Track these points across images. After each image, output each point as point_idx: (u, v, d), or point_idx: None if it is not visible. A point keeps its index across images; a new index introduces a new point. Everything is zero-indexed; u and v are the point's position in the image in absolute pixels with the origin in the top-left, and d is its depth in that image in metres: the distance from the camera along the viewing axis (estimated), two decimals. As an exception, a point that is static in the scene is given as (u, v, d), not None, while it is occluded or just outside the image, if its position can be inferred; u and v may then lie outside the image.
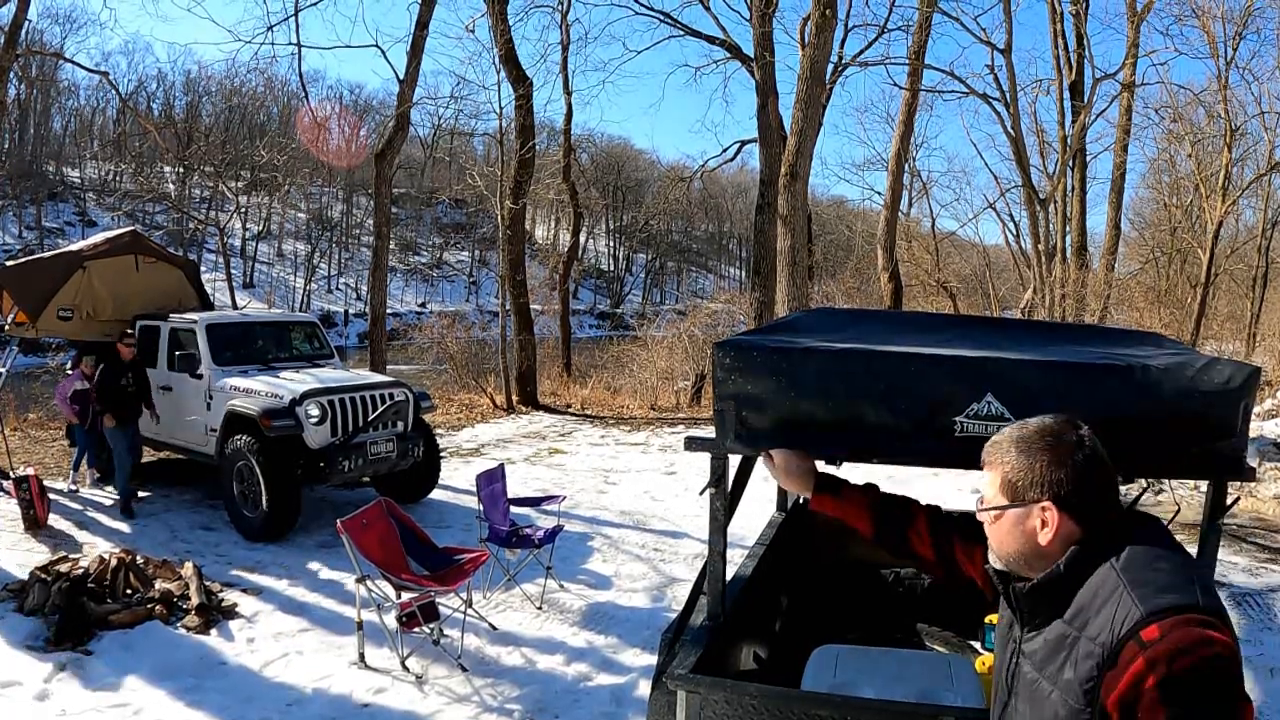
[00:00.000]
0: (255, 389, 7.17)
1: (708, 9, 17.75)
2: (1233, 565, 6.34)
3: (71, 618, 4.96)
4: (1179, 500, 7.33)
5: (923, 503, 1.99)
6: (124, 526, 7.18)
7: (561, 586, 5.91)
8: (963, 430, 2.10)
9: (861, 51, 20.40)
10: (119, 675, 4.50)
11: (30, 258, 9.39)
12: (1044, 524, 1.39)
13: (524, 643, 5.03)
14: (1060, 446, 1.39)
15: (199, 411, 7.58)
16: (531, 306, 17.81)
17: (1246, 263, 23.85)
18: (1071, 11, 18.62)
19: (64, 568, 5.44)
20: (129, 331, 7.88)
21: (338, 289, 56.67)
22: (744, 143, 21.23)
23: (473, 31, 33.25)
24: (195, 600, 5.31)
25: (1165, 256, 24.67)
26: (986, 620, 3.87)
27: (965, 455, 1.98)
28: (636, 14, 18.13)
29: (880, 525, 1.95)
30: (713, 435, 2.39)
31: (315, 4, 19.38)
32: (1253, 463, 3.01)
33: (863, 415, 2.17)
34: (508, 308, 16.25)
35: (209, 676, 4.55)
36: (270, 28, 15.22)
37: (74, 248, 8.79)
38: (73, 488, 8.07)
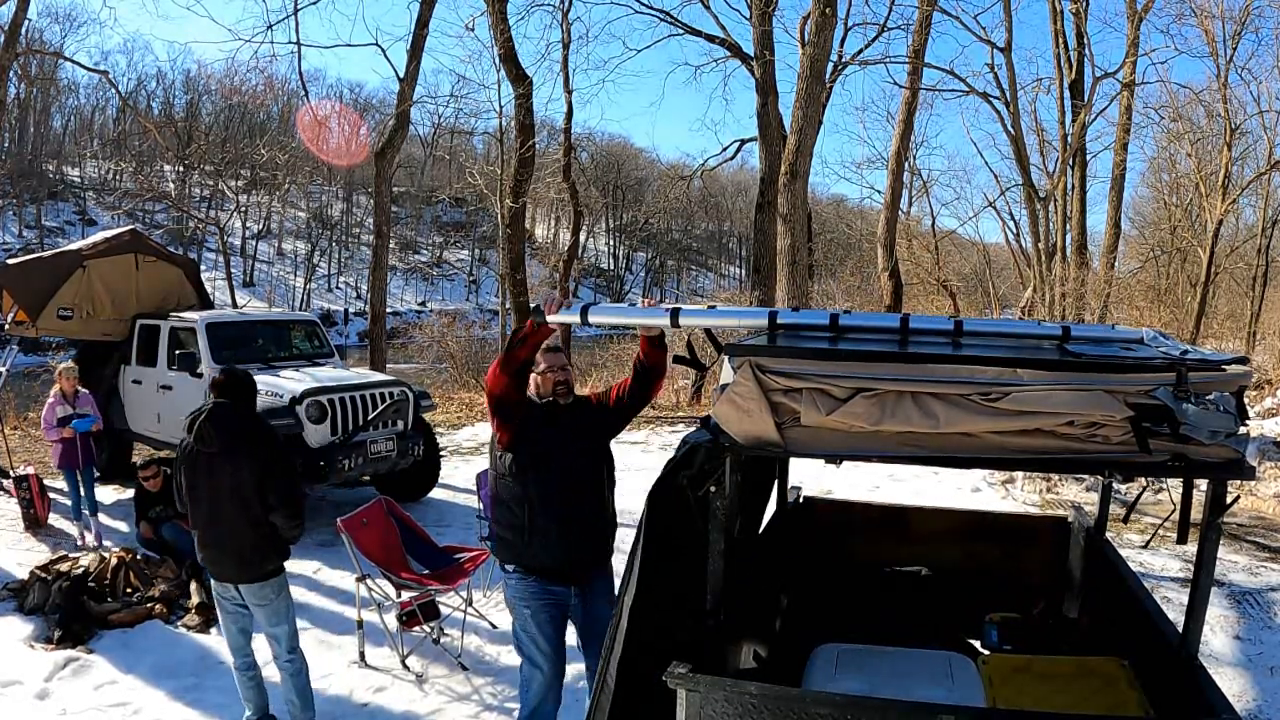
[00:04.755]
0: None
1: (708, 8, 17.74)
2: (1232, 564, 6.34)
3: (72, 617, 4.96)
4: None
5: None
6: (124, 525, 7.18)
7: (561, 585, 5.90)
8: None
9: (861, 50, 20.39)
10: (119, 674, 4.51)
11: (30, 257, 9.39)
12: None
13: (524, 641, 5.02)
14: None
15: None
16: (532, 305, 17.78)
17: (1246, 261, 23.83)
18: (1072, 10, 18.62)
19: (64, 567, 5.45)
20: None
21: (338, 288, 56.67)
22: (744, 141, 21.17)
23: (473, 30, 33.27)
24: (195, 599, 5.31)
25: (1165, 255, 24.68)
26: (987, 619, 3.87)
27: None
28: (636, 13, 18.06)
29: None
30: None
31: (315, 3, 19.43)
32: (1252, 461, 3.01)
33: None
34: (508, 306, 16.26)
35: (209, 675, 4.55)
36: (270, 26, 15.27)
37: (74, 247, 8.79)
38: (94, 543, 6.61)
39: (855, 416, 2.20)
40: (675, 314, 2.62)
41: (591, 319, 2.86)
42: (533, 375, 3.24)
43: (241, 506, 3.45)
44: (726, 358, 2.33)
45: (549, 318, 2.96)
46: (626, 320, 2.71)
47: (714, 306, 2.97)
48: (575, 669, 4.66)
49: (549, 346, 3.27)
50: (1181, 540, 2.59)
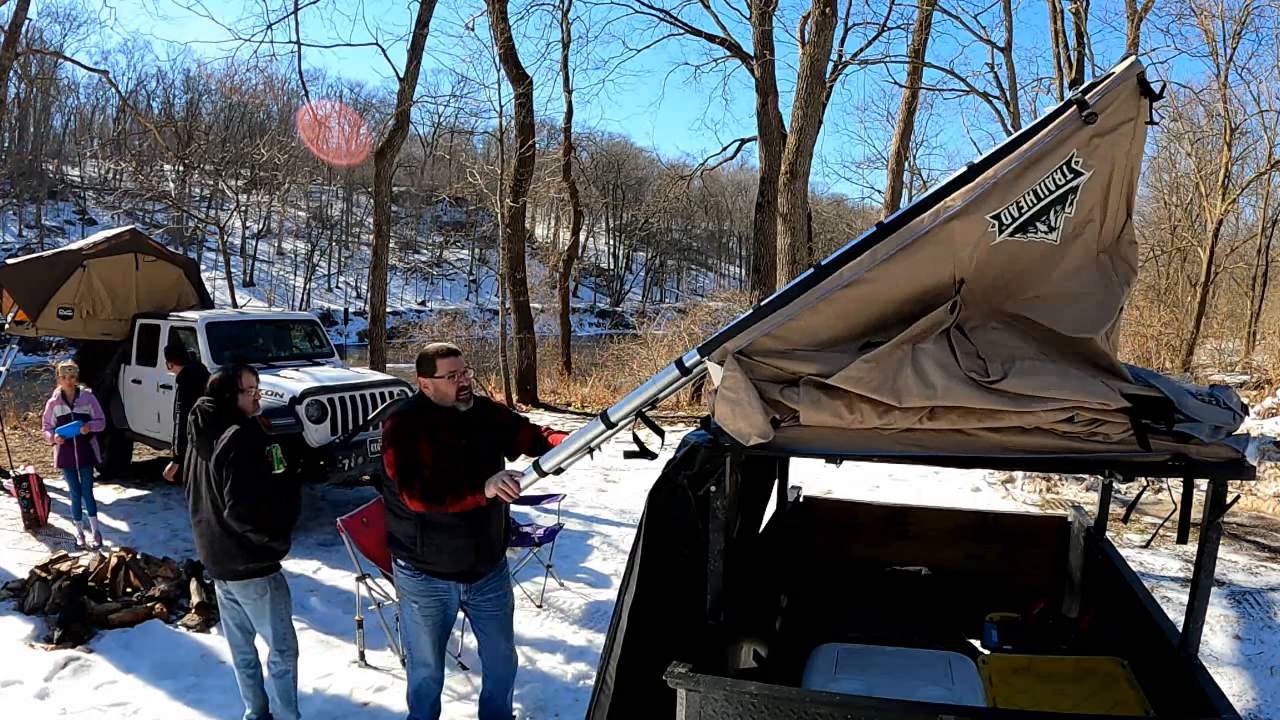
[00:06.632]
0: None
1: (707, 7, 17.76)
2: (1232, 564, 6.34)
3: (72, 616, 4.96)
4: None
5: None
6: (124, 525, 7.18)
7: (561, 585, 5.91)
8: None
9: (861, 50, 20.41)
10: (119, 674, 4.51)
11: (30, 257, 9.40)
12: None
13: (524, 641, 5.02)
14: None
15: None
16: (531, 305, 17.82)
17: (1246, 261, 23.84)
18: (1071, 10, 18.60)
19: (64, 567, 5.44)
20: None
21: (338, 287, 56.63)
22: (744, 141, 21.24)
23: (473, 30, 33.27)
24: (195, 599, 5.31)
25: (1165, 255, 24.65)
26: (987, 619, 3.88)
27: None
28: (636, 12, 18.11)
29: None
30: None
31: (315, 2, 19.45)
32: (1252, 461, 3.01)
33: None
34: (508, 306, 16.25)
35: (209, 675, 4.55)
36: (270, 26, 15.32)
37: (74, 246, 8.79)
38: (94, 543, 6.65)
39: (856, 382, 2.15)
40: (605, 415, 2.62)
41: (544, 466, 2.81)
42: (433, 381, 3.25)
43: (211, 502, 3.50)
44: (709, 362, 2.32)
45: (522, 494, 3.02)
46: (575, 447, 2.71)
47: (736, 316, 2.95)
48: (576, 668, 4.68)
49: (448, 350, 3.28)
50: (1181, 540, 2.59)
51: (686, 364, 2.43)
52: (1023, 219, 2.17)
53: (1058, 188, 2.16)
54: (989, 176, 2.14)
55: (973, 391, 2.13)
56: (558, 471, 2.81)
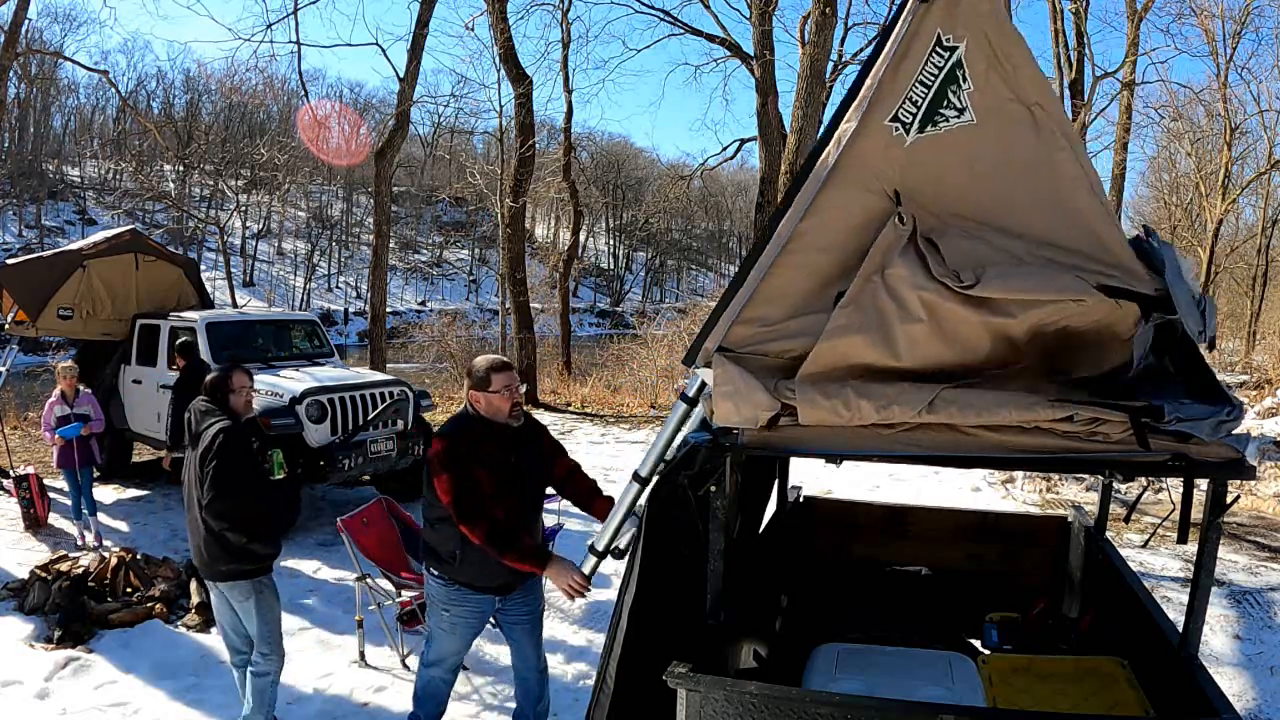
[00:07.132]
0: (255, 388, 7.16)
1: (708, 7, 17.76)
2: (1232, 564, 6.34)
3: (72, 617, 4.97)
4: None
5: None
6: (124, 525, 7.18)
7: (561, 585, 5.90)
8: None
9: (862, 49, 20.39)
10: (119, 674, 4.51)
11: (30, 257, 9.40)
12: None
13: (524, 641, 5.02)
14: None
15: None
16: (531, 305, 17.81)
17: (1246, 261, 23.85)
18: (1071, 10, 18.62)
19: (64, 567, 5.45)
20: None
21: (338, 287, 56.63)
22: (744, 141, 21.30)
23: (473, 30, 33.32)
24: (195, 599, 5.31)
25: (1165, 255, 24.64)
26: (987, 619, 3.88)
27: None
28: (636, 12, 18.12)
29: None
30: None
31: (314, 2, 19.46)
32: (1253, 461, 3.00)
33: None
34: (508, 306, 16.26)
35: (209, 675, 4.55)
36: (269, 26, 15.37)
37: (74, 246, 8.80)
38: (94, 543, 6.64)
39: (844, 330, 2.13)
40: (636, 474, 2.63)
41: (599, 547, 2.82)
42: (486, 395, 3.22)
43: (197, 500, 3.50)
44: (698, 369, 2.32)
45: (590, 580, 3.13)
46: (620, 517, 2.71)
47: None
48: (576, 668, 4.68)
49: (502, 364, 3.28)
50: (1181, 540, 2.59)
51: (689, 394, 2.41)
52: (923, 112, 2.10)
53: (941, 69, 2.08)
54: (869, 85, 2.10)
55: (953, 304, 2.10)
56: (619, 554, 2.78)
